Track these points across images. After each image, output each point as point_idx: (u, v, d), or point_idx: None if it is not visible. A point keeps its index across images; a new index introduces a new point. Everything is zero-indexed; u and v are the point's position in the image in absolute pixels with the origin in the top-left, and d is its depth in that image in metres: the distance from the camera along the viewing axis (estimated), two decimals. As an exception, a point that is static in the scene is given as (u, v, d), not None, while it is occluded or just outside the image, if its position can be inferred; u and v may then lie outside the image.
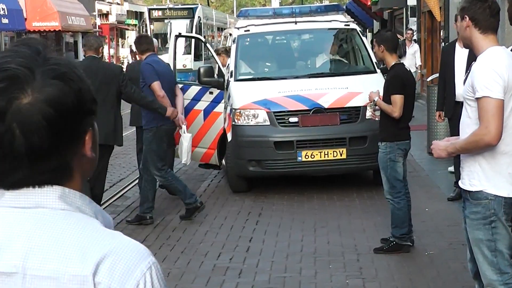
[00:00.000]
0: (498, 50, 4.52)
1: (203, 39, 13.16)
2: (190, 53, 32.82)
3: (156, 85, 9.01)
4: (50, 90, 1.50)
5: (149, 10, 36.78)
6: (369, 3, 30.11)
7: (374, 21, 37.17)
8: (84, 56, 9.19)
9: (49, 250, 1.49)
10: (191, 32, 32.53)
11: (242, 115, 10.59)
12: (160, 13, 35.93)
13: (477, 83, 4.36)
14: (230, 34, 12.71)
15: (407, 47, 19.54)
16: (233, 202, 10.37)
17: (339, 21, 12.51)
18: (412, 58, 19.55)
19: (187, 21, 34.51)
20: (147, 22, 35.81)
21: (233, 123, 10.66)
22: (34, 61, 1.53)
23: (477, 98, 4.38)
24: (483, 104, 4.34)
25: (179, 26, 33.72)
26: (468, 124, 4.52)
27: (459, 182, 4.69)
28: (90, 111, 1.58)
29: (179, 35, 12.47)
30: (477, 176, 4.51)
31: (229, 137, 10.77)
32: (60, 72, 1.54)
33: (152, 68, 9.05)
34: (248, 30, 12.06)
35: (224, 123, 11.12)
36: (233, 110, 10.67)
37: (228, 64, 11.59)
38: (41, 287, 1.48)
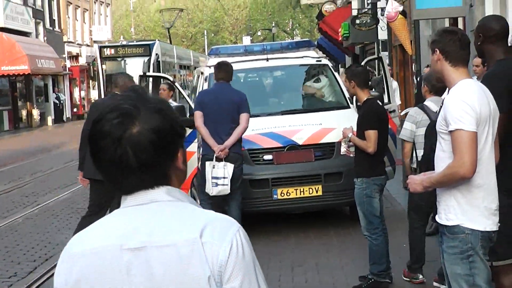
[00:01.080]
0: (469, 83, 4.49)
1: (171, 79, 13.02)
2: None
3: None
4: (153, 121, 2.10)
5: (100, 48, 32.97)
6: (340, 38, 30.26)
7: (346, 56, 37.40)
8: (108, 92, 9.44)
9: (165, 227, 2.08)
10: (148, 71, 30.32)
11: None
12: (112, 51, 32.40)
13: (449, 116, 4.32)
14: (202, 73, 12.63)
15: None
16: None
17: (311, 57, 12.50)
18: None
19: (144, 59, 31.52)
20: (98, 61, 32.27)
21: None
22: (139, 101, 2.12)
23: (450, 131, 4.34)
24: (457, 137, 4.30)
25: (135, 65, 31.20)
26: (442, 158, 4.47)
27: (436, 217, 4.63)
28: (180, 135, 2.18)
29: (144, 75, 12.40)
30: (453, 210, 4.46)
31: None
32: (158, 108, 2.13)
33: (198, 98, 9.38)
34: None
35: (198, 163, 10.99)
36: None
37: None
38: (163, 253, 2.06)
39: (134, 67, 30.44)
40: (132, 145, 2.07)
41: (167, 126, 2.12)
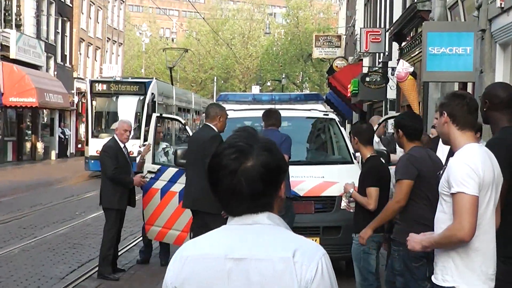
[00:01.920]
0: (475, 147, 4.51)
1: (183, 121, 13.05)
2: (139, 138, 27.38)
3: None
4: (263, 158, 2.50)
5: (91, 82, 30.59)
6: (349, 95, 30.42)
7: (354, 112, 37.54)
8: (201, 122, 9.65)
9: (264, 245, 2.48)
10: (142, 112, 28.90)
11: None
12: (104, 86, 29.86)
13: (452, 178, 4.34)
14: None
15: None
16: None
17: (318, 110, 12.56)
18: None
19: (138, 98, 29.47)
20: (88, 96, 29.85)
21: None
22: (251, 140, 2.53)
23: (452, 194, 4.35)
24: (458, 200, 4.31)
25: (128, 103, 29.31)
26: (443, 220, 4.48)
27: (432, 277, 4.61)
28: (284, 170, 2.55)
29: (161, 116, 12.49)
30: (450, 272, 4.46)
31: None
32: (268, 147, 2.53)
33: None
34: (227, 115, 12.04)
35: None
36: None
37: None
38: (261, 265, 2.44)
39: (127, 106, 29.19)
40: (246, 177, 2.48)
41: (274, 163, 2.52)
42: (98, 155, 11.32)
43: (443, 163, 6.19)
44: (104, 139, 13.93)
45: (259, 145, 2.51)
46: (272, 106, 12.15)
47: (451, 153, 4.98)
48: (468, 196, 4.29)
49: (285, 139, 9.33)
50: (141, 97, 29.37)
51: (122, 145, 10.47)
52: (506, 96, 5.29)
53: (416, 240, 4.61)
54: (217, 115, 9.32)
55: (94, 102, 29.88)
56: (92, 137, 29.42)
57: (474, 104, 4.62)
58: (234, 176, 2.48)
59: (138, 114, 29.25)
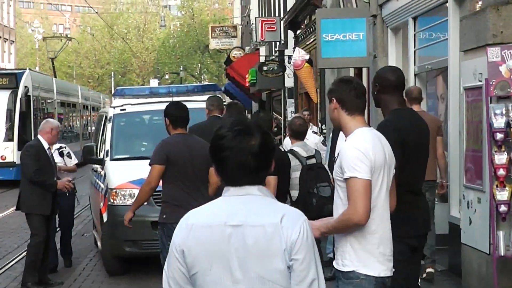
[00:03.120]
0: (365, 131, 4.58)
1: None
2: (12, 140, 24.78)
3: None
4: (262, 137, 3.00)
5: None
6: (247, 85, 30.53)
7: (253, 102, 37.70)
8: (208, 115, 9.55)
9: (257, 212, 2.95)
10: (14, 108, 25.18)
11: (118, 195, 10.38)
12: None
13: (344, 163, 4.40)
14: (106, 114, 12.52)
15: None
16: (108, 286, 10.06)
17: (216, 101, 12.54)
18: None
19: (9, 92, 25.46)
20: None
21: (109, 203, 10.43)
22: (247, 123, 3.04)
23: (345, 179, 4.41)
24: (351, 185, 4.37)
25: None
26: (339, 205, 4.54)
27: (334, 262, 4.68)
28: (274, 150, 3.07)
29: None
30: (348, 256, 4.52)
31: (105, 217, 10.52)
32: (262, 129, 3.04)
33: None
34: (124, 109, 11.94)
35: (100, 203, 10.86)
36: (109, 190, 10.45)
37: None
38: (255, 230, 2.92)
39: None
40: (252, 153, 2.97)
41: (270, 141, 3.05)
42: None
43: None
44: None
45: (256, 128, 3.04)
46: (170, 99, 12.10)
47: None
48: (361, 180, 4.36)
49: None
50: (12, 91, 25.46)
51: (46, 146, 9.82)
52: (395, 79, 5.41)
53: (315, 227, 4.65)
54: (221, 105, 9.49)
55: None
56: None
57: (361, 89, 4.70)
58: (243, 153, 2.96)
59: (10, 111, 25.56)
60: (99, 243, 11.42)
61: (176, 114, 7.58)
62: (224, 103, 9.92)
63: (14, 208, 10.36)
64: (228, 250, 2.94)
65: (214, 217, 2.99)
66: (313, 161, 8.14)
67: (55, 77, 33.24)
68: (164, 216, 7.33)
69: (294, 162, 7.93)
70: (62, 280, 10.22)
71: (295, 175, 7.89)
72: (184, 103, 12.13)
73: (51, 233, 10.09)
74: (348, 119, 4.64)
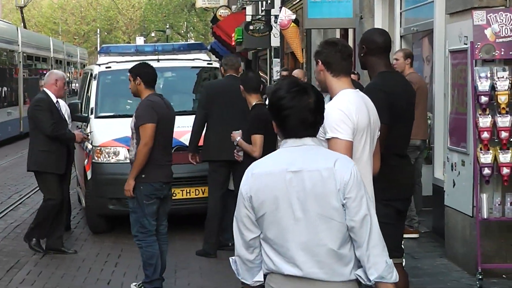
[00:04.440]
0: (349, 93, 4.58)
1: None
2: None
3: None
4: (316, 95, 3.47)
5: None
6: (233, 43, 30.39)
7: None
8: (224, 75, 9.49)
9: (313, 159, 3.41)
10: None
11: (102, 153, 10.38)
12: None
13: (327, 124, 4.39)
14: (91, 71, 12.44)
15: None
16: (92, 244, 10.10)
17: (202, 59, 12.52)
18: None
19: None
20: None
21: (93, 160, 10.43)
22: (301, 83, 3.52)
23: (327, 139, 4.42)
24: (332, 145, 4.39)
25: None
26: None
27: None
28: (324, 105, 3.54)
29: None
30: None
31: (89, 175, 10.53)
32: (314, 88, 3.50)
33: None
34: (110, 67, 11.89)
35: (84, 161, 10.86)
36: (93, 148, 10.44)
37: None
38: (312, 174, 3.37)
39: None
40: (312, 110, 3.43)
41: (321, 98, 3.49)
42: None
43: None
44: None
45: (310, 87, 3.49)
46: (155, 57, 12.05)
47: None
48: (342, 141, 4.39)
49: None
50: None
51: (55, 100, 9.30)
52: (382, 41, 5.39)
53: None
54: (239, 66, 9.52)
55: None
56: None
57: (347, 51, 4.69)
58: (303, 111, 3.41)
59: None
60: (83, 201, 11.44)
61: (151, 73, 7.53)
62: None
63: None
64: (290, 193, 3.37)
65: (276, 165, 3.43)
66: None
67: (25, 27, 30.37)
68: (143, 175, 7.34)
69: None
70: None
71: None
72: (170, 61, 12.20)
73: (65, 195, 9.67)
74: (334, 80, 4.65)
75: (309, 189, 3.35)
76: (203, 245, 9.26)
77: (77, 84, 38.23)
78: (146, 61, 8.19)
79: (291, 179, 3.37)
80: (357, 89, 4.70)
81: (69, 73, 38.88)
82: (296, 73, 12.42)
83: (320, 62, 4.69)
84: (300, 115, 3.42)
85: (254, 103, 7.84)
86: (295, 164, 3.39)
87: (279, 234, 3.39)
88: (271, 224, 3.40)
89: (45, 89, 9.41)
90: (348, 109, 4.44)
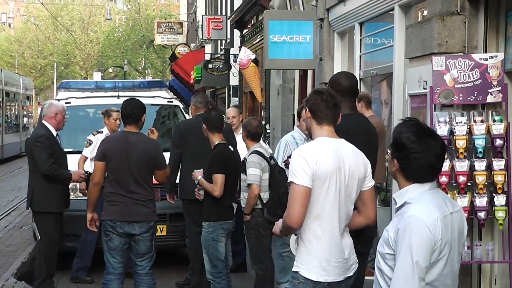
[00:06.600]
0: (321, 140, 4.69)
1: None
2: None
3: None
4: (441, 140, 3.66)
5: None
6: (192, 81, 30.47)
7: (197, 99, 37.56)
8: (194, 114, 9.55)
9: (450, 200, 3.66)
10: None
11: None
12: None
13: (290, 168, 4.56)
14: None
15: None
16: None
17: (162, 97, 12.55)
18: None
19: None
20: None
21: (51, 197, 10.32)
22: (430, 128, 3.83)
23: (288, 183, 4.56)
24: (291, 189, 4.52)
25: None
26: None
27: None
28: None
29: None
30: (298, 257, 4.68)
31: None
32: (436, 134, 3.72)
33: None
34: (69, 103, 11.84)
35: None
36: (51, 184, 10.34)
37: None
38: (459, 215, 3.60)
39: None
40: (441, 157, 3.58)
41: (444, 144, 3.67)
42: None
43: None
44: None
45: (433, 131, 3.73)
46: (116, 94, 12.04)
47: None
48: (298, 186, 4.49)
49: None
50: None
51: (54, 133, 8.82)
52: (348, 84, 5.50)
53: (276, 227, 4.86)
54: (207, 102, 9.61)
55: None
56: None
57: (332, 100, 4.80)
58: (438, 156, 3.55)
59: None
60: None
61: (122, 111, 7.58)
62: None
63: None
64: (454, 234, 3.55)
65: (441, 208, 3.51)
66: (272, 162, 7.99)
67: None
68: (102, 212, 7.42)
69: (263, 163, 7.80)
70: None
71: (265, 176, 7.80)
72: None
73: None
74: (316, 128, 4.78)
75: (461, 229, 3.63)
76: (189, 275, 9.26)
77: (24, 119, 38.01)
78: (132, 98, 8.04)
79: (453, 221, 3.54)
80: (340, 138, 4.76)
81: (8, 107, 35.07)
82: (229, 111, 12.20)
83: (306, 110, 4.82)
84: (435, 162, 3.56)
85: (216, 142, 7.86)
86: (447, 207, 3.56)
87: (449, 274, 3.55)
88: (445, 266, 3.51)
89: (44, 122, 8.93)
90: (309, 156, 4.54)
